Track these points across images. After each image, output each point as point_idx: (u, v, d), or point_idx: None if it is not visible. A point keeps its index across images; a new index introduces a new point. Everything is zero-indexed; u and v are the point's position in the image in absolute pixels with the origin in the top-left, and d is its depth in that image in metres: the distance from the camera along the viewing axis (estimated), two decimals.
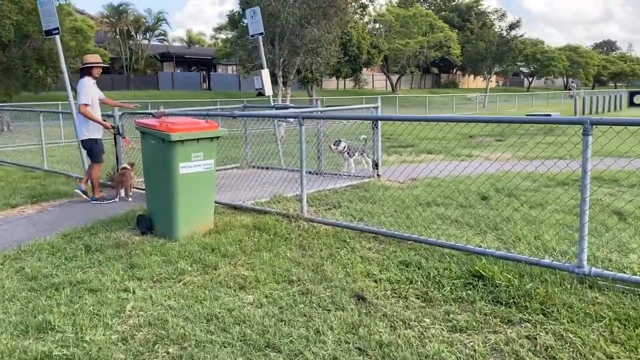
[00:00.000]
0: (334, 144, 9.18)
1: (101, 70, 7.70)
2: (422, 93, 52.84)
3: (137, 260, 4.77)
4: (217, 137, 5.67)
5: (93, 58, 7.66)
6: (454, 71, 72.89)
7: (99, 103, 7.76)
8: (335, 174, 8.91)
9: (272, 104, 9.87)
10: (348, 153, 9.29)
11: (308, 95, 28.93)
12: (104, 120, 7.73)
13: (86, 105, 7.45)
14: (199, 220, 5.65)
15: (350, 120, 9.22)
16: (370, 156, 9.50)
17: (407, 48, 43.72)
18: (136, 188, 8.41)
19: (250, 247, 5.06)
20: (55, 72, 19.96)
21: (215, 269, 4.53)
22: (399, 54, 43.76)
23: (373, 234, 5.34)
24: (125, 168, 7.82)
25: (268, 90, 9.98)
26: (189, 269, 4.56)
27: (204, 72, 52.97)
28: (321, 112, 8.18)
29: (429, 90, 60.90)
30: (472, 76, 72.28)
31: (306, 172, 8.88)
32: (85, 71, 7.57)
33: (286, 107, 9.48)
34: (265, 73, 9.90)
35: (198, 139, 5.42)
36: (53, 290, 4.18)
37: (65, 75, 8.30)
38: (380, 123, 8.13)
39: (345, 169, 9.26)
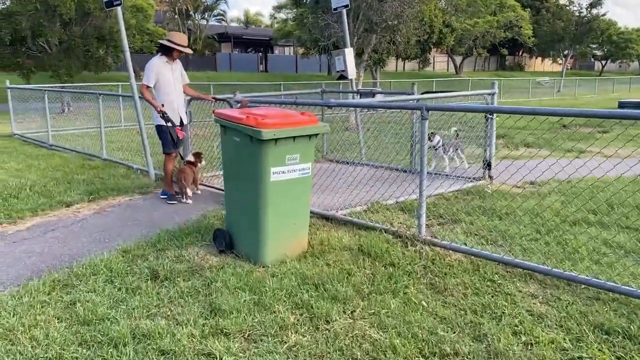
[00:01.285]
0: (429, 138, 7.77)
1: (181, 55, 6.55)
2: (487, 75, 50.13)
3: (220, 300, 3.58)
4: (316, 135, 4.41)
5: (179, 39, 6.45)
6: (520, 53, 69.10)
7: (179, 88, 6.64)
8: (436, 174, 7.51)
9: (356, 89, 8.53)
10: (443, 149, 7.89)
11: (372, 78, 27.31)
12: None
13: (147, 87, 6.37)
14: (291, 239, 4.43)
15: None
16: (464, 152, 8.06)
17: (475, 28, 41.18)
18: (205, 185, 7.30)
19: (365, 285, 3.79)
20: (116, 51, 19.30)
21: (328, 322, 3.28)
22: (466, 34, 41.27)
23: (527, 270, 3.96)
24: (189, 162, 6.68)
25: (352, 72, 8.64)
26: (292, 320, 3.32)
27: (260, 53, 52.08)
28: (428, 99, 6.78)
29: (494, 73, 57.91)
30: (539, 59, 68.35)
31: (397, 171, 7.64)
32: (163, 50, 6.45)
33: (373, 93, 8.12)
34: (350, 53, 8.56)
35: (294, 137, 4.16)
36: (111, 349, 3.04)
37: (127, 53, 7.24)
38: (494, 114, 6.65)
39: (432, 167, 7.86)
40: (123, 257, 4.54)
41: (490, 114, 6.63)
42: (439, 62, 61.12)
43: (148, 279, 4.03)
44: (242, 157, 4.25)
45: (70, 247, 5.01)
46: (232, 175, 4.44)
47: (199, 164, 6.74)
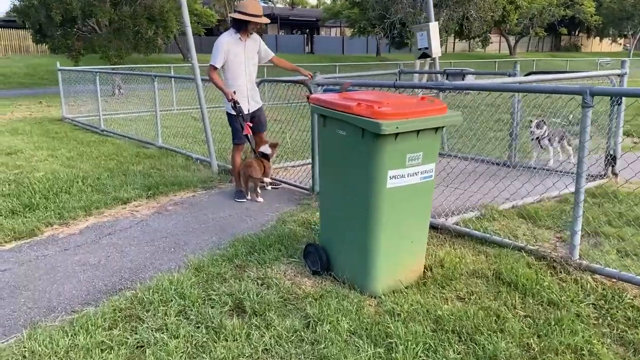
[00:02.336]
0: (537, 126, 6.65)
1: (259, 27, 5.63)
2: (543, 56, 47.62)
3: (333, 353, 2.67)
4: (442, 128, 3.41)
5: (253, 8, 5.43)
6: (577, 33, 65.57)
7: (251, 69, 5.72)
8: (534, 168, 6.41)
9: (443, 69, 7.43)
10: (549, 139, 6.75)
11: None
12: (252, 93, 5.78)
13: (215, 68, 5.50)
14: (408, 261, 3.47)
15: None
16: (572, 143, 6.89)
17: (533, 5, 38.87)
18: (275, 180, 6.41)
19: (530, 338, 2.79)
20: (166, 32, 18.63)
21: None
22: (524, 12, 39.01)
23: None
24: (263, 154, 5.78)
25: (436, 50, 7.56)
26: None
27: (306, 34, 50.97)
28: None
29: (550, 54, 55.11)
30: (597, 39, 64.73)
31: (492, 164, 6.56)
32: (236, 24, 5.52)
33: (463, 74, 7.02)
34: (435, 27, 7.47)
35: (418, 131, 3.17)
36: None
37: (189, 28, 6.37)
38: (624, 99, 5.46)
39: (533, 160, 6.75)
40: (196, 276, 3.68)
41: (616, 99, 5.45)
42: (491, 42, 58.59)
43: (232, 313, 3.16)
44: (348, 156, 3.29)
45: (130, 258, 4.21)
46: (333, 178, 3.49)
47: (269, 161, 5.83)
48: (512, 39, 49.86)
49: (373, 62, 35.72)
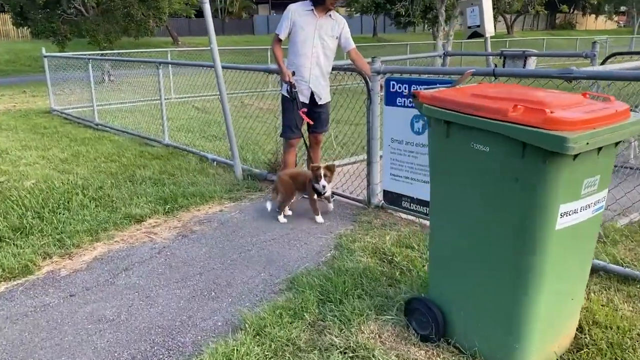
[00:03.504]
0: None
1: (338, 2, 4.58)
2: (541, 35, 46.58)
3: None
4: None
5: None
6: (572, 10, 64.60)
7: (321, 52, 4.63)
8: None
9: (500, 50, 6.39)
10: None
11: (433, 38, 24.74)
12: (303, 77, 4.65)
13: (278, 39, 4.61)
14: (565, 325, 2.49)
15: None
16: None
17: None
18: None
19: None
20: (159, 13, 17.27)
21: None
22: None
23: None
24: (300, 173, 4.65)
25: (489, 28, 6.52)
26: None
27: None
28: None
29: (547, 32, 54.10)
30: (592, 16, 63.86)
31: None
32: None
33: (525, 56, 6.00)
34: (487, 3, 6.42)
35: (599, 148, 2.15)
36: None
37: (207, 5, 5.24)
38: None
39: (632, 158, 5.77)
40: (259, 345, 2.66)
41: None
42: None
43: None
44: (492, 183, 2.26)
45: (160, 309, 3.17)
46: (459, 212, 2.45)
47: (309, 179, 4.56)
48: (508, 18, 48.73)
49: (370, 42, 34.47)
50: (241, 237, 4.24)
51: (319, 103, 4.70)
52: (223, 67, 5.52)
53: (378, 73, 4.34)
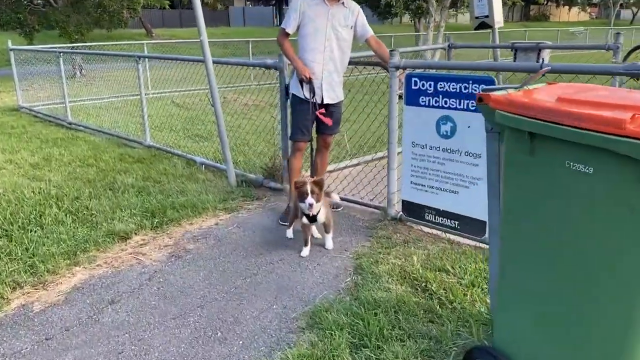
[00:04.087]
0: None
1: None
2: (517, 27, 46.62)
3: None
4: None
5: None
6: (546, 2, 65.06)
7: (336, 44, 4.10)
8: None
9: (511, 42, 5.94)
10: None
11: (415, 30, 24.28)
12: (318, 71, 4.10)
13: (285, 33, 4.08)
14: None
15: None
16: None
17: None
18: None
19: None
20: (133, 4, 16.42)
21: None
22: None
23: None
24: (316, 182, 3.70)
25: (499, 18, 6.07)
26: None
27: (273, 5, 48.61)
28: None
29: (522, 24, 54.23)
30: (566, 8, 64.44)
31: None
32: None
33: (539, 48, 5.56)
34: None
35: None
36: None
37: None
38: None
39: None
40: None
41: None
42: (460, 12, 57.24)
43: None
44: (596, 214, 1.77)
45: (155, 355, 2.62)
46: (543, 244, 1.95)
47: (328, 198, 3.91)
48: None
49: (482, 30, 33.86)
50: (243, 257, 3.70)
51: (332, 103, 4.17)
52: (214, 62, 4.93)
53: (397, 68, 3.83)
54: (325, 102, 4.12)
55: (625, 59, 5.20)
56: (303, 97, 4.08)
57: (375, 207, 4.35)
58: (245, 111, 9.51)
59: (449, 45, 6.35)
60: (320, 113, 4.06)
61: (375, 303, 2.89)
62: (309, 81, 3.97)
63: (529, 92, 2.08)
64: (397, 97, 3.90)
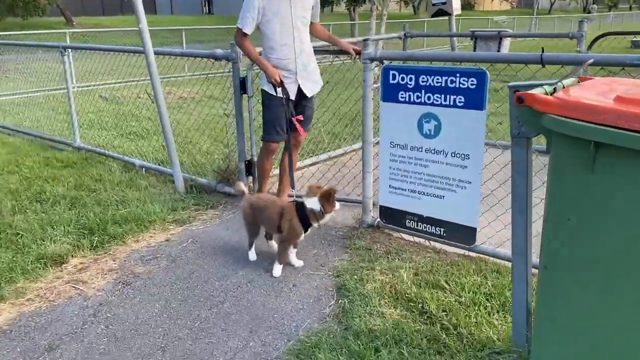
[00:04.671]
0: None
1: None
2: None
3: None
4: None
5: None
6: None
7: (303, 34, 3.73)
8: None
9: (471, 31, 5.70)
10: None
11: (350, 19, 24.05)
12: (282, 68, 3.71)
13: (243, 34, 3.64)
14: None
15: None
16: None
17: None
18: None
19: None
20: None
21: None
22: None
23: None
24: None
25: (457, 5, 5.82)
26: None
27: None
28: None
29: None
30: None
31: None
32: None
33: (500, 36, 5.36)
34: None
35: None
36: None
37: None
38: None
39: None
40: None
41: None
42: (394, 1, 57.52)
43: None
44: None
45: None
46: (616, 271, 1.60)
47: (326, 214, 3.17)
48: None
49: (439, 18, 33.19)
50: (205, 280, 3.21)
51: (309, 95, 3.76)
52: (156, 53, 4.35)
53: (372, 60, 3.43)
54: (307, 92, 3.71)
55: (589, 47, 5.08)
56: (277, 94, 3.66)
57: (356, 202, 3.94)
58: (181, 105, 8.86)
59: (404, 34, 6.04)
60: (297, 120, 3.68)
61: (372, 334, 2.50)
62: (281, 83, 3.53)
63: (570, 90, 1.73)
64: (372, 93, 3.51)
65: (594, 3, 65.41)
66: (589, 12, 54.13)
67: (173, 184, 4.75)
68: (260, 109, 3.90)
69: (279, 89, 3.64)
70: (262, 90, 3.77)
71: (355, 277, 3.06)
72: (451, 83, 3.09)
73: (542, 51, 2.72)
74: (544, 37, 5.32)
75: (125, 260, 3.47)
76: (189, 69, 13.30)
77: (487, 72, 2.95)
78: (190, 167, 5.20)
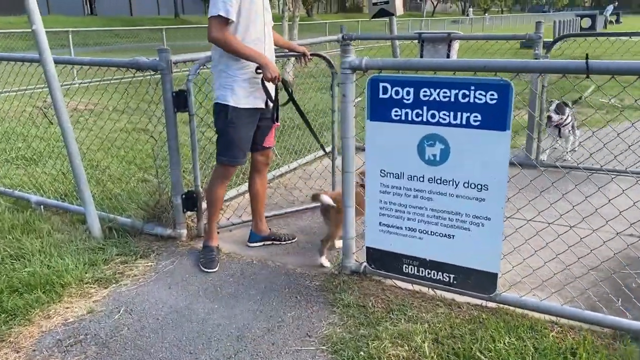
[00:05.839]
0: (556, 111, 4.95)
1: None
2: (336, 18, 48.06)
3: None
4: None
5: None
6: None
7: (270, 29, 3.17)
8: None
9: (416, 32, 5.22)
10: (571, 126, 5.17)
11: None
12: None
13: (221, 21, 2.85)
14: None
15: None
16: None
17: None
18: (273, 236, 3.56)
19: None
20: None
21: None
22: None
23: None
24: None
25: (399, 5, 5.31)
26: None
27: None
28: None
29: (342, 15, 56.19)
30: None
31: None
32: None
33: (450, 38, 4.97)
34: None
35: None
36: None
37: None
38: None
39: (545, 156, 5.16)
40: None
41: None
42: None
43: None
44: None
45: None
46: None
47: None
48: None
49: (172, 25, 31.59)
50: None
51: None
52: (58, 62, 3.35)
53: (354, 70, 2.73)
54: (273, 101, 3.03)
55: (548, 50, 4.77)
56: (250, 106, 3.04)
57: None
58: (77, 119, 7.60)
59: (342, 37, 5.42)
60: (277, 127, 3.21)
61: None
62: (280, 81, 3.02)
63: None
64: (354, 110, 2.83)
65: (470, 7, 69.66)
66: (467, 15, 57.36)
67: (84, 225, 3.76)
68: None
69: (263, 98, 3.07)
70: (223, 104, 3.02)
71: (362, 353, 2.35)
72: (463, 97, 2.48)
73: (587, 58, 2.18)
74: (497, 39, 4.94)
75: (34, 350, 2.51)
76: (77, 75, 11.85)
77: (512, 84, 2.37)
78: (103, 202, 4.20)
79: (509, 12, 73.28)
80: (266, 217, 3.61)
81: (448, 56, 5.08)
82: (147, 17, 39.29)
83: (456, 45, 5.11)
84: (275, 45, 3.36)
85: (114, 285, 3.08)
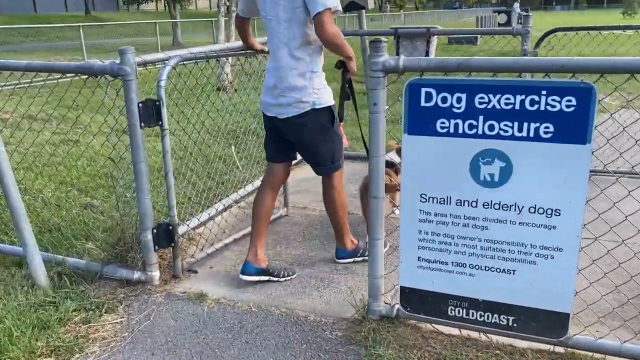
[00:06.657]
0: None
1: None
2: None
3: None
4: None
5: None
6: None
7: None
8: None
9: (392, 28, 4.77)
10: None
11: (171, 17, 21.78)
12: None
13: (331, 14, 2.54)
14: None
15: None
16: None
17: None
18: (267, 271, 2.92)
19: None
20: None
21: None
22: None
23: None
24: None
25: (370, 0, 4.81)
26: None
27: None
28: None
29: None
30: None
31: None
32: None
33: (430, 33, 4.58)
34: None
35: None
36: None
37: None
38: None
39: None
40: None
41: None
42: None
43: None
44: None
45: None
46: None
47: None
48: None
49: (83, 22, 29.53)
50: None
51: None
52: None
53: (387, 72, 2.20)
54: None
55: (537, 45, 4.47)
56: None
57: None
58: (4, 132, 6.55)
59: None
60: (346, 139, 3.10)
61: None
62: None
63: None
64: (383, 117, 2.30)
65: (387, 3, 71.12)
66: (384, 12, 58.29)
67: (21, 270, 3.00)
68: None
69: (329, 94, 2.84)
70: (323, 107, 2.76)
71: None
72: (531, 105, 2.02)
73: None
74: (481, 34, 4.58)
75: None
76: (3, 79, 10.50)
77: (595, 87, 1.94)
78: (42, 236, 3.41)
79: (424, 9, 75.33)
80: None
81: (427, 53, 4.67)
82: (54, 14, 36.56)
83: (435, 41, 4.70)
84: (244, 42, 3.18)
85: (77, 355, 2.37)
